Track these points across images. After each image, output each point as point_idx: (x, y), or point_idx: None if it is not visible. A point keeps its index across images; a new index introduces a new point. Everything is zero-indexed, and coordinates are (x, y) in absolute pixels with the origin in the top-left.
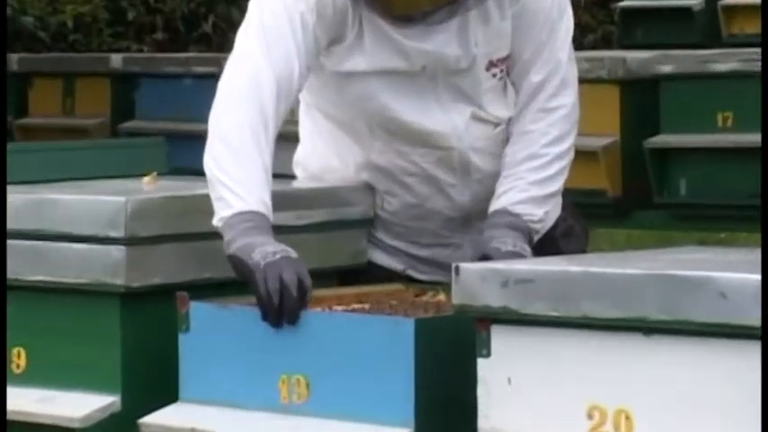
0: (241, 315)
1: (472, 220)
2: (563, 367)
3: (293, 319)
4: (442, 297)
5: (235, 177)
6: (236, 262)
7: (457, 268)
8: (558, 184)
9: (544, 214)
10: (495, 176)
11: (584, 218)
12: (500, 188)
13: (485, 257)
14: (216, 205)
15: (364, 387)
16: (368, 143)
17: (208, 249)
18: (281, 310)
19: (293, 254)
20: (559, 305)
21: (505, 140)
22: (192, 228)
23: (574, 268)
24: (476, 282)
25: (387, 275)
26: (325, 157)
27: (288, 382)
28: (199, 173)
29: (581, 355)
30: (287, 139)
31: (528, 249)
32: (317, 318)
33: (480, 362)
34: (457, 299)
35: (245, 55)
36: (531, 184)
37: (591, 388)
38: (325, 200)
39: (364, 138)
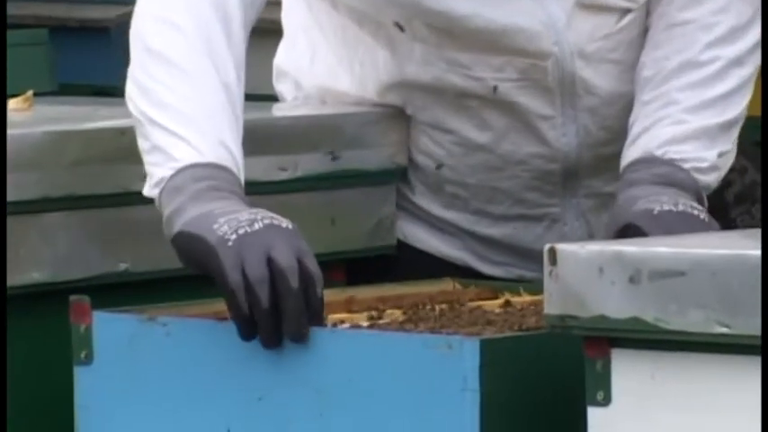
0: (182, 334)
1: (581, 177)
2: (737, 420)
3: (299, 333)
4: (526, 302)
5: (179, 112)
6: (186, 243)
7: (552, 252)
8: (737, 109)
9: (718, 158)
10: (620, 102)
11: None
12: (639, 122)
13: (628, 230)
14: (148, 160)
15: None
16: (402, 47)
17: (124, 223)
18: (274, 317)
19: (285, 222)
20: (732, 317)
21: (639, 41)
22: (97, 186)
23: (756, 252)
24: (585, 275)
25: (431, 266)
26: (329, 70)
27: None
28: (104, 92)
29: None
30: (261, 34)
31: (705, 212)
32: (312, 336)
33: (594, 413)
34: (553, 306)
35: None
36: (690, 111)
37: None
38: (326, 137)
39: (396, 39)
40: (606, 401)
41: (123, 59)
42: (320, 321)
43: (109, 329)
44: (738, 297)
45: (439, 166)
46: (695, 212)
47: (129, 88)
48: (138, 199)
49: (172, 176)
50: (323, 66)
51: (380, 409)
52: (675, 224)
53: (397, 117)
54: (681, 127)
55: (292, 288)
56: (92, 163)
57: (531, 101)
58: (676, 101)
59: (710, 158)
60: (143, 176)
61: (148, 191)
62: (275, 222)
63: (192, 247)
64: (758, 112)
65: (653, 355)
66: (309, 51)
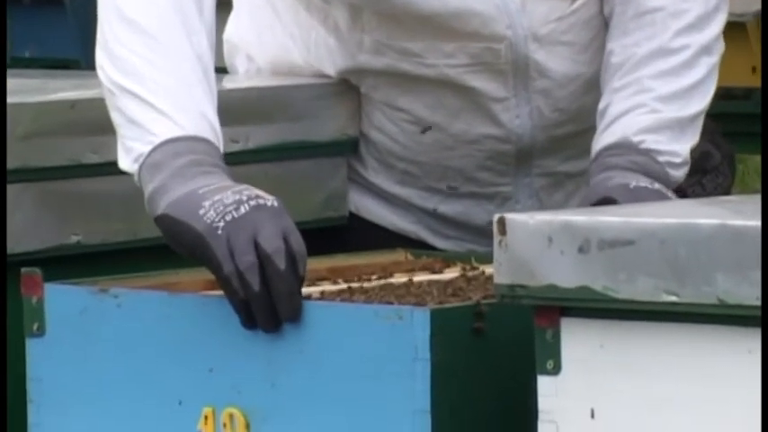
0: (133, 306)
1: (534, 157)
2: (686, 388)
3: (292, 313)
4: (476, 273)
5: (155, 83)
6: (172, 227)
7: (502, 222)
8: (706, 99)
9: (689, 152)
10: (573, 83)
11: (728, 139)
12: (613, 107)
13: (603, 203)
14: (125, 134)
15: (342, 427)
16: (350, 39)
17: (76, 196)
18: (267, 299)
19: (270, 199)
20: (679, 284)
21: (593, 22)
22: (48, 159)
23: (705, 221)
24: (534, 245)
25: (384, 239)
26: (282, 46)
27: (213, 418)
28: (58, 65)
29: (714, 366)
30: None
31: (675, 198)
32: None
33: (543, 381)
34: (502, 275)
35: None
36: (663, 101)
37: (729, 424)
38: (277, 108)
39: (343, 30)
40: (556, 370)
41: (78, 33)
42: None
43: (61, 301)
44: (687, 266)
45: (425, 130)
46: (669, 194)
47: (100, 56)
48: (89, 171)
49: (150, 152)
50: (275, 42)
51: (332, 380)
52: (649, 200)
53: (347, 90)
54: (655, 116)
55: (280, 270)
56: (43, 136)
57: (485, 84)
58: (649, 88)
59: (683, 153)
60: (94, 149)
61: (128, 166)
62: (260, 202)
63: (178, 232)
64: None
65: (602, 323)
66: (259, 27)
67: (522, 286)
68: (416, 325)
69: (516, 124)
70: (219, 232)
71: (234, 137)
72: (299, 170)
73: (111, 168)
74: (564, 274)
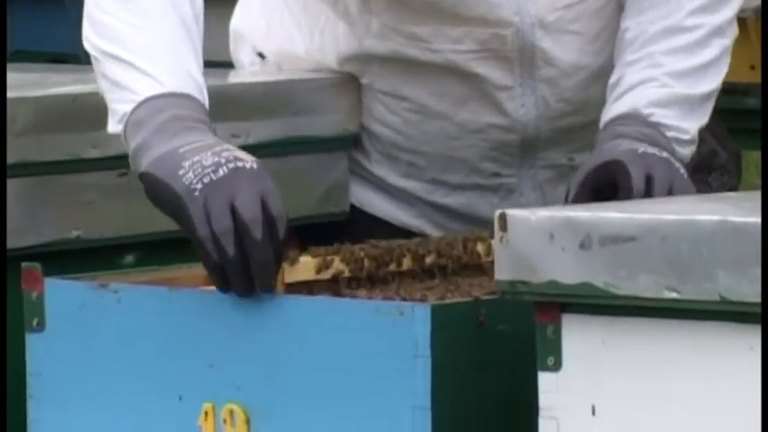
0: (133, 301)
1: (538, 148)
2: (687, 385)
3: (267, 282)
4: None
5: (135, 44)
6: (153, 185)
7: (503, 218)
8: (716, 80)
9: (697, 132)
10: (579, 74)
11: (733, 135)
12: (625, 80)
13: (609, 165)
14: (110, 98)
15: (343, 423)
16: (359, 22)
17: (76, 190)
18: (243, 265)
19: (249, 161)
20: (681, 281)
21: (603, 12)
22: (49, 153)
23: (706, 218)
24: (535, 241)
25: (386, 233)
26: (287, 35)
27: (214, 413)
28: (59, 59)
29: (715, 363)
30: (219, 0)
31: (686, 170)
32: (264, 302)
33: (544, 378)
34: (503, 271)
35: None
36: (674, 77)
37: (730, 421)
38: (277, 103)
39: (352, 13)
40: (557, 367)
41: (78, 26)
42: (281, 261)
43: (61, 297)
44: (688, 262)
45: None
46: (677, 164)
47: (85, 26)
48: (89, 166)
49: (133, 110)
50: (281, 31)
51: (332, 375)
52: (657, 166)
53: (348, 84)
54: (665, 90)
55: (256, 240)
56: (43, 130)
57: (491, 71)
58: (661, 63)
59: (691, 132)
60: (94, 143)
61: (113, 127)
62: (239, 164)
63: (158, 190)
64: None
65: (603, 320)
66: (267, 16)
67: (523, 282)
68: (417, 321)
69: (521, 114)
70: (197, 194)
71: (235, 132)
72: (300, 165)
73: (111, 163)
74: (565, 270)
